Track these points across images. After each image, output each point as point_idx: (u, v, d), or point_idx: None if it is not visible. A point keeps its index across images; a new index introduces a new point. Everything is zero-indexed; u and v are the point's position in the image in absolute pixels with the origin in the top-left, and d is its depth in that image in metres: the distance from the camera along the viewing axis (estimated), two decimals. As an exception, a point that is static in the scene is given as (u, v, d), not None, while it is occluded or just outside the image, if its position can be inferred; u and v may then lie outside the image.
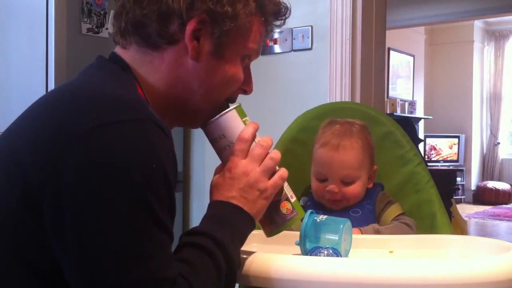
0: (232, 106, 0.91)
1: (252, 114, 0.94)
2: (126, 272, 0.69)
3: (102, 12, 2.20)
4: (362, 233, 1.22)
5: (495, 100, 8.44)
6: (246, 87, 0.93)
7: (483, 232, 5.88)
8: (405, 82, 7.73)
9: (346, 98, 2.21)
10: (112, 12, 2.16)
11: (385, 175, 1.44)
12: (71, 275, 0.71)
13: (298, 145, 1.52)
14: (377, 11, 2.31)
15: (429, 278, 0.80)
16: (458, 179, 7.51)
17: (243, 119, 0.91)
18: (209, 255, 0.78)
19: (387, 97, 7.04)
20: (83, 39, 2.14)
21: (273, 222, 0.93)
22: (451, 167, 7.29)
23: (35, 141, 0.74)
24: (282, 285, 0.85)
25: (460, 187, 7.69)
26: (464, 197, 8.05)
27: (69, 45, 2.09)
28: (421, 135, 7.61)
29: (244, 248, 0.87)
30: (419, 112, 7.92)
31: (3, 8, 2.25)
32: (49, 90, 2.07)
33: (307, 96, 2.33)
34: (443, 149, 8.04)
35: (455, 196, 5.10)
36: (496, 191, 7.87)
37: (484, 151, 8.54)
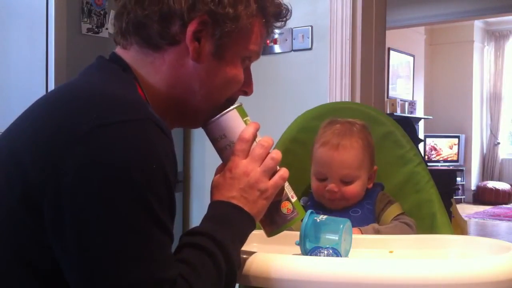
0: (233, 106, 0.91)
1: (252, 114, 0.94)
2: (126, 272, 0.69)
3: (102, 12, 2.20)
4: (362, 233, 1.22)
5: (495, 100, 8.44)
6: (246, 88, 0.94)
7: (483, 232, 5.88)
8: (405, 82, 7.73)
9: (346, 98, 2.21)
10: (112, 12, 2.16)
11: (385, 175, 1.44)
12: (71, 275, 0.71)
13: (298, 145, 1.52)
14: (377, 11, 2.31)
15: (429, 278, 0.80)
16: (458, 179, 7.51)
17: (244, 119, 0.91)
18: (209, 256, 0.78)
19: (387, 97, 7.04)
20: (83, 39, 2.14)
21: (274, 222, 0.93)
22: (451, 167, 7.29)
23: (35, 141, 0.74)
24: (282, 285, 0.85)
25: (460, 187, 7.69)
26: (464, 197, 8.05)
27: (69, 45, 2.09)
28: (421, 135, 7.61)
29: (244, 248, 0.87)
30: (419, 112, 7.92)
31: (3, 8, 2.25)
32: (49, 90, 2.07)
33: (307, 96, 2.33)
34: (443, 149, 8.04)
35: (455, 196, 5.11)
36: (496, 191, 7.87)
37: (484, 151, 8.54)
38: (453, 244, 1.13)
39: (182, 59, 0.86)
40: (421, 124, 7.93)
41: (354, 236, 1.07)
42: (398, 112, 6.94)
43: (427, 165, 1.57)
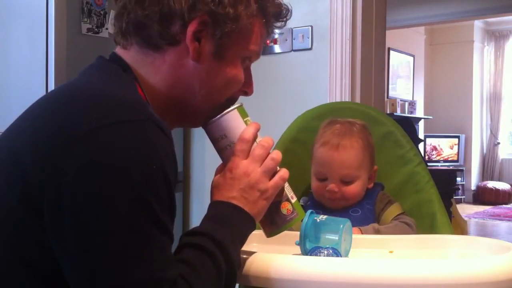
0: (233, 106, 0.91)
1: (252, 114, 0.94)
2: (126, 272, 0.69)
3: (102, 12, 2.20)
4: (362, 233, 1.22)
5: (495, 100, 8.44)
6: (246, 88, 0.94)
7: (483, 232, 5.88)
8: (405, 82, 7.73)
9: (346, 98, 2.21)
10: (112, 12, 2.16)
11: (385, 175, 1.44)
12: (71, 275, 0.71)
13: (298, 145, 1.52)
14: (377, 11, 2.31)
15: (429, 278, 0.80)
16: (458, 179, 7.51)
17: (245, 119, 0.91)
18: (209, 256, 0.78)
19: (387, 97, 7.04)
20: (83, 39, 2.14)
21: (274, 222, 0.93)
22: (451, 167, 7.29)
23: (35, 141, 0.74)
24: (282, 285, 0.85)
25: (460, 187, 7.69)
26: (464, 197, 8.05)
27: (69, 45, 2.09)
28: (421, 135, 7.61)
29: (244, 248, 0.87)
30: (419, 112, 7.92)
31: (3, 8, 2.25)
32: (49, 90, 2.07)
33: (307, 96, 2.33)
34: (444, 149, 8.04)
35: (455, 196, 5.11)
36: (496, 191, 7.87)
37: (484, 151, 8.54)
38: (453, 244, 1.13)
39: (182, 59, 0.86)
40: (421, 124, 7.93)
41: (354, 236, 1.07)
42: (398, 112, 6.94)
43: (427, 165, 1.57)
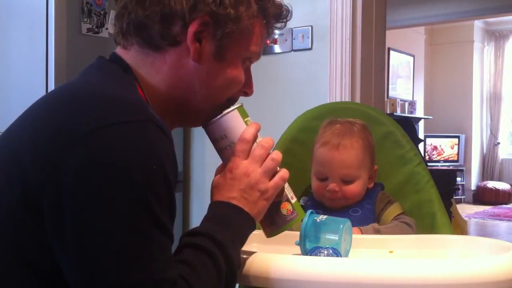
0: (233, 106, 0.91)
1: (252, 114, 0.94)
2: (126, 272, 0.69)
3: (102, 12, 2.20)
4: (362, 233, 1.22)
5: (495, 100, 8.44)
6: (247, 89, 0.94)
7: (483, 232, 5.88)
8: (405, 82, 7.73)
9: (346, 98, 2.21)
10: (112, 12, 2.16)
11: (385, 175, 1.44)
12: (71, 275, 0.71)
13: (298, 145, 1.52)
14: (377, 11, 2.31)
15: (429, 278, 0.80)
16: (458, 179, 7.51)
17: (245, 120, 0.91)
18: (209, 256, 0.78)
19: (387, 97, 7.04)
20: (83, 39, 2.14)
21: (274, 223, 0.93)
22: (451, 167, 7.30)
23: (35, 141, 0.74)
24: (282, 285, 0.85)
25: (460, 187, 7.69)
26: (464, 197, 8.05)
27: (69, 45, 2.09)
28: (421, 135, 7.61)
29: (244, 248, 0.87)
30: (419, 112, 7.92)
31: (3, 8, 2.25)
32: (49, 90, 2.07)
33: (307, 96, 2.33)
34: (444, 149, 8.03)
35: (455, 196, 5.11)
36: (496, 191, 7.87)
37: (484, 151, 8.54)
38: (453, 244, 1.13)
39: (183, 59, 0.86)
40: (421, 124, 7.93)
41: (354, 236, 1.07)
42: (398, 112, 6.94)
43: (427, 165, 1.57)
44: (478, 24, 8.14)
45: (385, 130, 1.50)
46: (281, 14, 0.93)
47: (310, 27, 2.33)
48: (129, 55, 0.87)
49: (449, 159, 8.02)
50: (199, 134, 2.69)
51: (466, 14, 6.00)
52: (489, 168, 8.46)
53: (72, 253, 0.70)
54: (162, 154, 0.74)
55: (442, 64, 8.39)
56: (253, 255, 0.88)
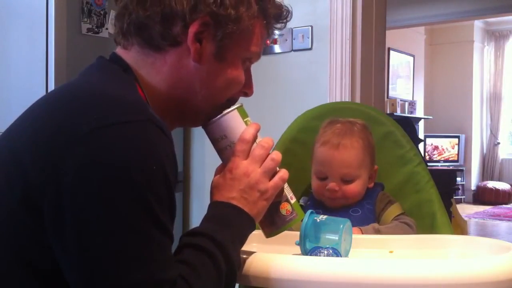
0: (233, 107, 0.91)
1: (252, 114, 0.94)
2: (126, 272, 0.69)
3: (102, 12, 2.20)
4: (362, 233, 1.22)
5: (495, 100, 8.44)
6: (247, 89, 0.94)
7: (483, 232, 5.88)
8: (405, 82, 7.73)
9: (346, 98, 2.21)
10: (112, 12, 2.16)
11: (385, 175, 1.44)
12: (71, 275, 0.71)
13: (298, 145, 1.52)
14: (377, 11, 2.31)
15: (429, 278, 0.80)
16: (458, 179, 7.51)
17: (245, 120, 0.91)
18: (209, 256, 0.78)
19: (387, 97, 7.04)
20: (83, 39, 2.14)
21: (273, 223, 0.93)
22: (451, 167, 7.29)
23: (35, 141, 0.74)
24: (282, 285, 0.85)
25: (460, 187, 7.69)
26: (464, 197, 8.05)
27: (69, 45, 2.09)
28: (421, 135, 7.61)
29: (244, 248, 0.87)
30: (419, 112, 7.92)
31: (3, 8, 2.25)
32: (49, 90, 2.07)
33: (307, 96, 2.33)
34: (445, 149, 8.03)
35: (455, 196, 5.11)
36: (496, 191, 7.87)
37: (484, 151, 8.54)
38: (453, 244, 1.13)
39: (183, 60, 0.86)
40: (421, 124, 7.93)
41: (354, 236, 1.07)
42: (398, 112, 6.94)
43: (427, 165, 1.57)
44: (478, 24, 8.14)
45: (385, 130, 1.50)
46: (281, 15, 0.93)
47: (310, 27, 2.33)
48: (130, 55, 0.87)
49: (449, 159, 8.02)
50: (199, 134, 2.69)
51: (466, 14, 6.00)
52: (489, 168, 8.46)
53: (72, 253, 0.70)
54: (162, 154, 0.74)
55: (442, 64, 8.39)
56: (253, 255, 0.88)
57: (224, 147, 0.90)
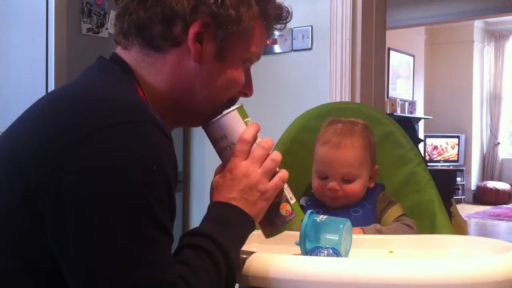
0: (233, 107, 0.91)
1: (252, 114, 0.94)
2: (126, 274, 0.69)
3: (102, 12, 2.20)
4: (364, 233, 1.22)
5: (495, 100, 8.44)
6: (247, 90, 0.94)
7: (483, 232, 5.88)
8: (405, 82, 7.72)
9: (346, 98, 2.21)
10: (112, 12, 2.16)
11: (385, 175, 1.44)
12: (71, 276, 0.71)
13: (298, 145, 1.52)
14: (377, 11, 2.31)
15: (429, 278, 0.80)
16: (458, 179, 7.50)
17: (245, 120, 0.91)
18: (209, 257, 0.78)
19: (387, 97, 7.04)
20: (83, 39, 2.14)
21: (273, 223, 0.93)
22: (451, 167, 7.29)
23: (36, 142, 0.74)
24: (282, 285, 0.85)
25: (460, 187, 7.68)
26: (464, 197, 8.05)
27: (69, 45, 2.09)
28: (421, 135, 7.61)
29: (244, 248, 0.87)
30: (419, 112, 7.92)
31: (3, 8, 2.25)
32: (49, 90, 2.07)
33: (307, 96, 2.33)
34: (445, 149, 8.03)
35: (455, 196, 5.10)
36: (496, 191, 7.87)
37: (484, 151, 8.54)
38: (453, 244, 1.13)
39: (184, 60, 0.86)
40: (421, 124, 7.93)
41: (354, 236, 1.07)
42: (398, 112, 6.94)
43: (427, 165, 1.57)
44: (478, 24, 8.14)
45: (385, 130, 1.50)
46: (281, 16, 0.93)
47: (310, 27, 2.33)
48: (130, 55, 0.87)
49: (449, 159, 8.02)
50: (199, 134, 2.69)
51: (466, 14, 6.00)
52: (489, 168, 8.46)
53: (72, 254, 0.70)
54: (162, 155, 0.74)
55: (442, 64, 8.39)
56: (252, 255, 0.88)
57: (224, 148, 0.90)
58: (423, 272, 0.81)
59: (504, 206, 7.62)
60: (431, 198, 1.41)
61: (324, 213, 1.10)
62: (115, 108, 0.74)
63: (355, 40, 2.22)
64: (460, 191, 7.78)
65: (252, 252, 0.89)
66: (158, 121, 0.76)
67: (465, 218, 4.27)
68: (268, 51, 2.42)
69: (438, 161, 7.95)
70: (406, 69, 7.75)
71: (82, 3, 2.13)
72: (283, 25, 0.95)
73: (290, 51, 2.40)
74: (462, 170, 7.88)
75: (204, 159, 2.69)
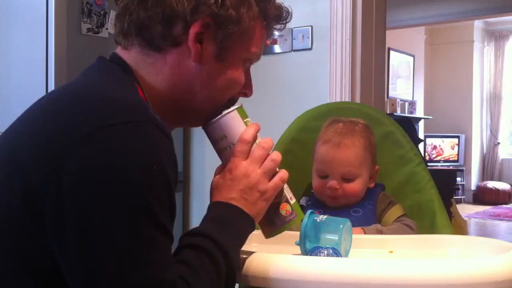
0: (233, 107, 0.91)
1: (252, 114, 0.94)
2: (126, 274, 0.69)
3: (102, 12, 2.20)
4: (365, 233, 1.22)
5: (495, 100, 8.44)
6: (247, 90, 0.94)
7: (483, 232, 5.88)
8: (405, 82, 7.73)
9: (346, 98, 2.21)
10: (112, 12, 2.16)
11: (385, 175, 1.44)
12: (71, 276, 0.71)
13: (298, 145, 1.52)
14: (377, 11, 2.31)
15: (429, 278, 0.80)
16: (458, 179, 7.50)
17: (245, 120, 0.91)
18: (209, 257, 0.78)
19: (387, 97, 7.04)
20: (83, 39, 2.14)
21: (273, 223, 0.93)
22: (451, 167, 7.29)
23: (36, 142, 0.74)
24: (282, 285, 0.85)
25: (460, 187, 7.68)
26: (464, 197, 8.05)
27: (69, 45, 2.09)
28: (421, 135, 7.61)
29: (244, 248, 0.87)
30: (419, 112, 7.92)
31: (3, 8, 2.25)
32: (49, 90, 2.07)
33: (307, 96, 2.33)
34: (445, 149, 8.03)
35: (455, 196, 5.10)
36: (496, 191, 7.87)
37: (484, 151, 8.54)
38: (453, 244, 1.13)
39: (184, 60, 0.86)
40: (421, 124, 7.93)
41: (354, 236, 1.07)
42: (398, 112, 6.94)
43: (427, 165, 1.57)
44: (478, 24, 8.14)
45: (385, 130, 1.50)
46: (281, 16, 0.94)
47: (310, 27, 2.33)
48: (130, 55, 0.87)
49: (449, 159, 8.02)
50: (199, 134, 2.69)
51: (466, 14, 6.00)
52: (489, 168, 8.46)
53: (72, 254, 0.70)
54: (163, 155, 0.74)
55: (442, 64, 8.39)
56: (252, 255, 0.88)
57: (224, 148, 0.90)
58: (423, 272, 0.81)
59: (504, 206, 7.62)
60: (431, 198, 1.41)
61: (324, 213, 1.10)
62: (115, 108, 0.74)
63: (355, 40, 2.22)
64: (460, 191, 7.78)
65: (252, 252, 0.89)
66: (158, 121, 0.76)
67: (465, 218, 4.27)
68: (268, 51, 2.42)
69: (438, 161, 7.95)
70: (406, 69, 7.75)
71: (82, 3, 2.13)
72: (283, 25, 0.95)
73: (290, 51, 2.40)
74: (462, 170, 7.88)
75: (204, 159, 2.69)
